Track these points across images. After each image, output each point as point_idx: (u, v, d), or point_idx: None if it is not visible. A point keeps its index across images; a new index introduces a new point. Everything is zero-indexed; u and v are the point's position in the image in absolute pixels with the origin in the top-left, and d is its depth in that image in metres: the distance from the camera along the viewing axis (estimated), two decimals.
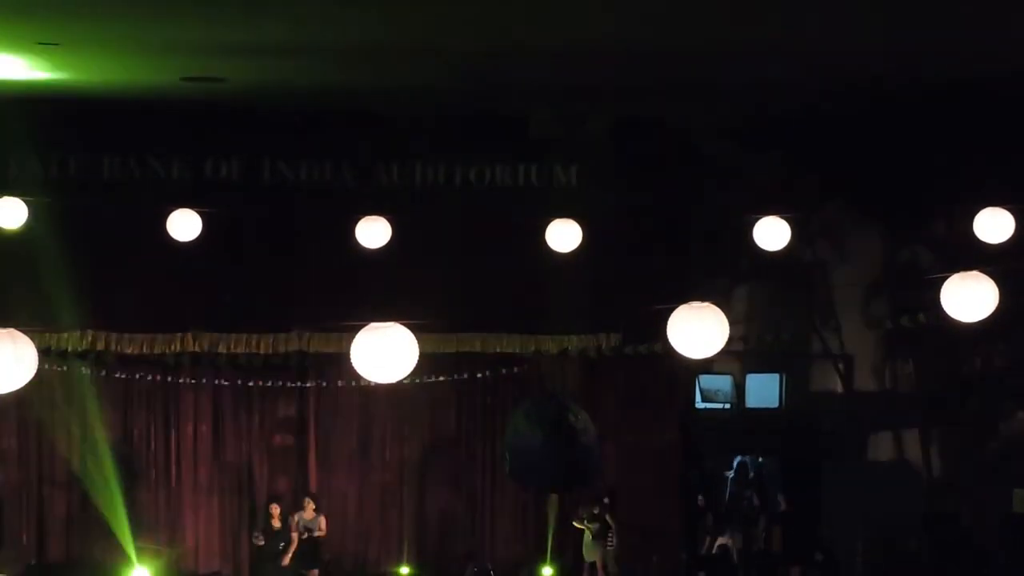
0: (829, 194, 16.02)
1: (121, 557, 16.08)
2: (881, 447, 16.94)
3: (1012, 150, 13.83)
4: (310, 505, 15.66)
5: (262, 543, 15.67)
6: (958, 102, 13.26)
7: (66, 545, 16.62)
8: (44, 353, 7.72)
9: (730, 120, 15.18)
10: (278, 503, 15.76)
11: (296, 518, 15.59)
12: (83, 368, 15.78)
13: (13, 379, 7.49)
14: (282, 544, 15.50)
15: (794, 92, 13.06)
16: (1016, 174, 13.39)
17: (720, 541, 16.75)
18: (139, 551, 15.96)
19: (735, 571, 16.08)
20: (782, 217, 13.44)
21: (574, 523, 15.95)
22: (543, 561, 16.12)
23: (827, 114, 14.68)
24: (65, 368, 15.67)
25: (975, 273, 9.16)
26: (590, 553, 16.13)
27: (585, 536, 16.10)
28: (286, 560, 15.49)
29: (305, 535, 15.59)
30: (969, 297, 9.13)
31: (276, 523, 15.00)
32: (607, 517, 15.97)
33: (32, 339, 7.58)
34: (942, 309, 9.32)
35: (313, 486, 16.95)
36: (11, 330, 7.51)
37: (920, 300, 14.37)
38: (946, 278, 9.18)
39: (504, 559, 16.67)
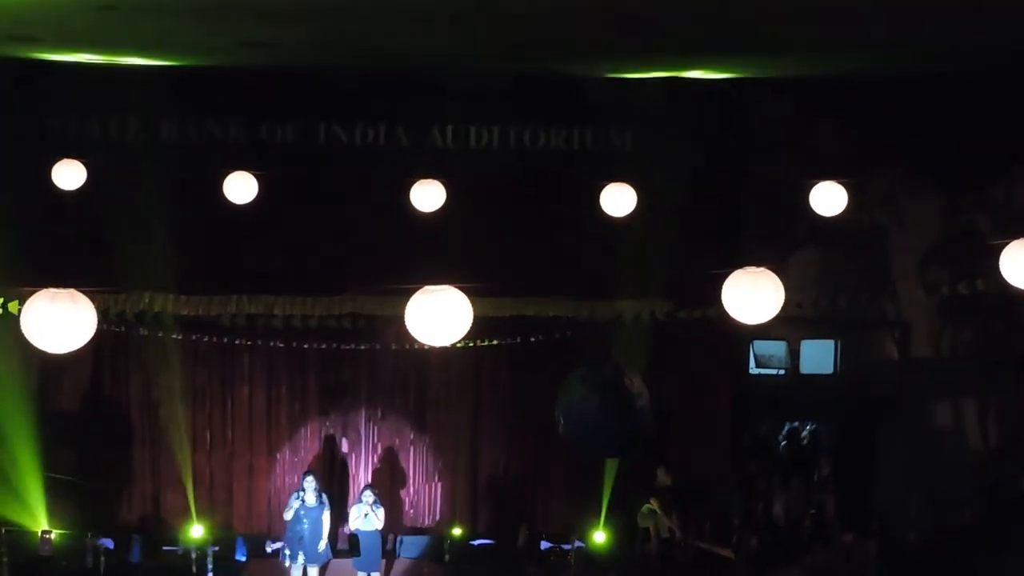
0: (887, 159, 15.88)
1: (183, 515, 16.37)
2: (938, 415, 16.83)
3: None
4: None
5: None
6: (1020, 67, 13.08)
7: (119, 504, 16.90)
8: (103, 315, 7.82)
9: (788, 83, 15.04)
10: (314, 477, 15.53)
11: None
12: (141, 330, 15.96)
13: (73, 339, 7.63)
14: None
15: (854, 55, 12.89)
16: None
17: (772, 507, 16.76)
18: (194, 509, 16.23)
19: (786, 538, 16.07)
20: (839, 182, 13.37)
21: (652, 501, 15.96)
22: (596, 526, 16.20)
23: (886, 77, 14.52)
24: (123, 329, 15.86)
25: None
26: (644, 520, 16.17)
27: (642, 506, 16.14)
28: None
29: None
30: None
31: (311, 498, 14.84)
32: (669, 490, 16.02)
33: (91, 300, 7.71)
34: (1001, 275, 9.26)
35: (367, 448, 17.15)
36: (72, 291, 7.66)
37: (979, 266, 14.22)
38: (1005, 244, 9.11)
39: (557, 524, 16.76)
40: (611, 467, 16.00)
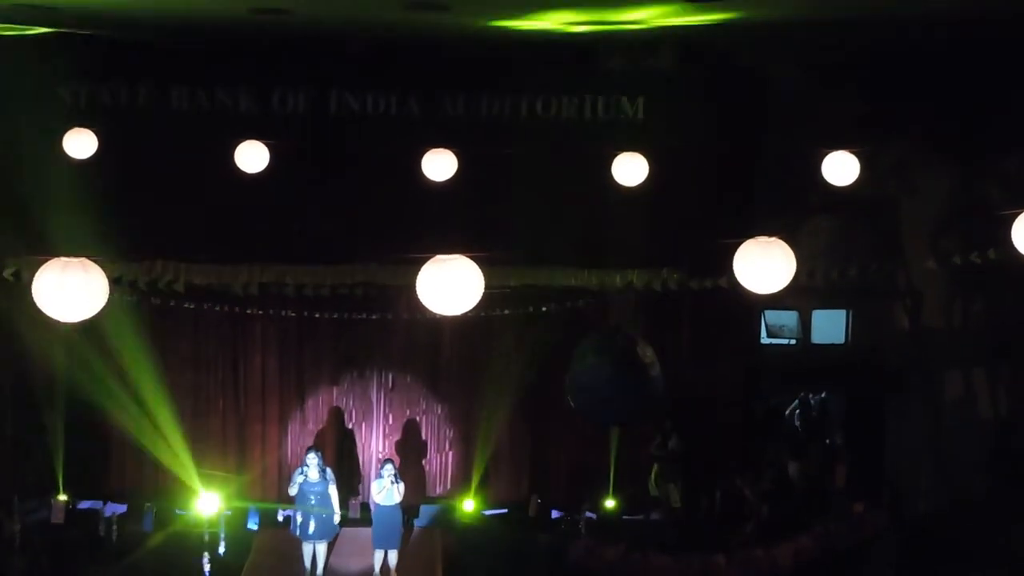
0: (899, 129, 15.80)
1: (186, 484, 16.42)
2: (948, 385, 16.82)
3: None
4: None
5: None
6: None
7: (132, 472, 16.97)
8: (115, 283, 7.82)
9: (800, 54, 14.96)
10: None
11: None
12: (153, 298, 15.98)
13: (85, 307, 7.64)
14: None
15: (866, 26, 12.82)
16: None
17: (783, 477, 16.78)
18: (206, 478, 16.25)
19: (796, 507, 16.09)
20: (852, 152, 13.31)
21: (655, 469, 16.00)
22: (606, 494, 16.23)
23: (898, 49, 14.44)
24: (135, 298, 15.88)
25: None
26: (654, 487, 16.22)
27: (653, 470, 16.18)
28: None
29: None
30: None
31: (314, 474, 14.83)
32: (675, 452, 16.06)
33: (103, 269, 7.71)
34: (1013, 246, 9.22)
35: (379, 417, 17.19)
36: (83, 260, 7.66)
37: (990, 236, 14.17)
38: (1017, 214, 9.07)
39: (568, 491, 16.80)
40: (621, 436, 16.01)
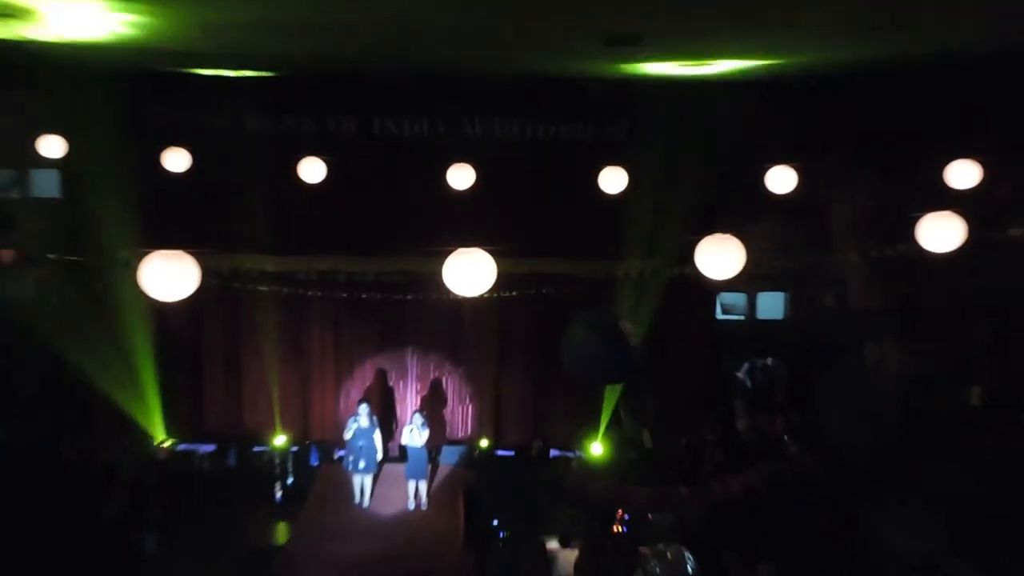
0: (831, 146, 15.72)
1: (269, 427, 16.50)
2: (867, 352, 16.77)
3: (987, 112, 13.48)
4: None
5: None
6: (944, 69, 12.93)
7: (219, 420, 17.02)
8: (204, 271, 7.83)
9: (749, 84, 14.87)
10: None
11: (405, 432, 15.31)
12: (235, 283, 16.03)
13: (180, 290, 7.66)
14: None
15: (804, 57, 12.72)
16: (989, 134, 13.08)
17: (736, 426, 16.76)
18: (280, 423, 16.35)
19: (745, 451, 16.09)
20: (790, 166, 13.27)
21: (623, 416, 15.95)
22: (595, 438, 16.25)
23: (828, 81, 14.35)
24: (220, 283, 15.92)
25: (946, 213, 9.01)
26: (648, 439, 16.20)
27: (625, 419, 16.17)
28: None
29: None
30: (940, 232, 9.00)
31: (364, 421, 14.89)
32: (654, 412, 16.01)
33: (195, 259, 7.72)
34: (918, 242, 9.20)
35: (412, 377, 17.20)
36: (180, 252, 7.67)
37: (901, 234, 14.10)
38: (921, 217, 9.04)
39: (564, 435, 16.82)
40: (609, 393, 16.01)
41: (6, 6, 9.58)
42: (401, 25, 10.33)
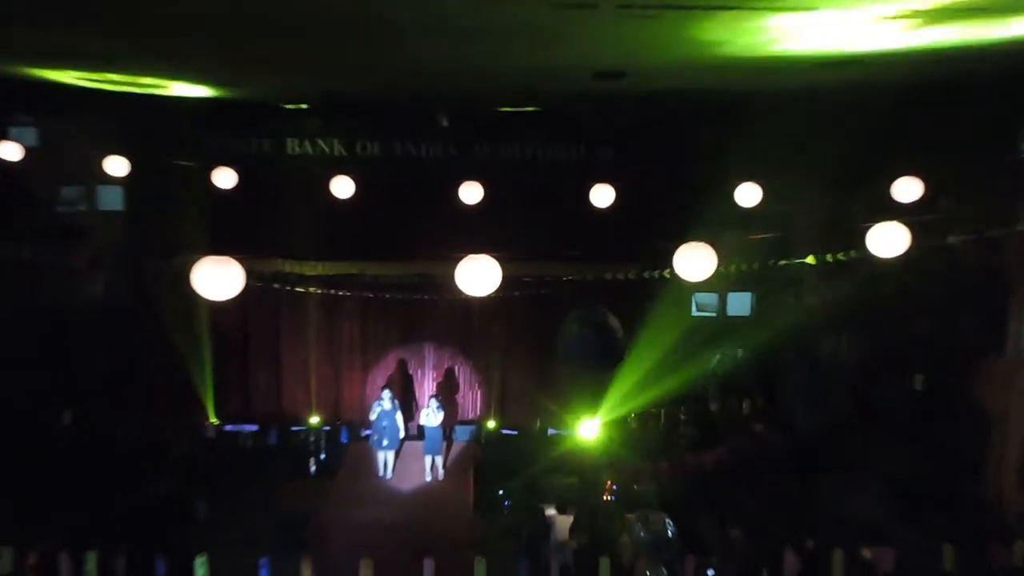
0: (790, 165, 15.67)
1: (305, 408, 16.46)
2: (822, 343, 16.73)
3: (930, 136, 13.47)
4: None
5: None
6: (891, 97, 12.90)
7: (261, 404, 17.02)
8: (248, 274, 7.82)
9: (722, 111, 14.84)
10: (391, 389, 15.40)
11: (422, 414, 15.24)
12: (275, 284, 16.04)
13: (228, 291, 7.65)
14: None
15: (770, 91, 12.69)
16: (927, 154, 13.07)
17: (708, 407, 16.74)
18: (315, 405, 16.34)
19: (716, 428, 16.05)
20: (756, 182, 13.26)
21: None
22: (591, 415, 16.22)
23: (789, 107, 14.30)
24: (261, 284, 15.93)
25: (893, 223, 8.98)
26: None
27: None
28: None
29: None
30: (887, 239, 8.97)
31: (387, 404, 14.84)
32: None
33: (240, 264, 7.72)
34: (867, 249, 9.17)
35: (428, 366, 17.16)
36: (227, 258, 7.66)
37: (852, 242, 14.07)
38: (870, 226, 9.01)
39: (560, 417, 16.77)
40: (597, 380, 15.96)
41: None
42: (417, 65, 10.33)
